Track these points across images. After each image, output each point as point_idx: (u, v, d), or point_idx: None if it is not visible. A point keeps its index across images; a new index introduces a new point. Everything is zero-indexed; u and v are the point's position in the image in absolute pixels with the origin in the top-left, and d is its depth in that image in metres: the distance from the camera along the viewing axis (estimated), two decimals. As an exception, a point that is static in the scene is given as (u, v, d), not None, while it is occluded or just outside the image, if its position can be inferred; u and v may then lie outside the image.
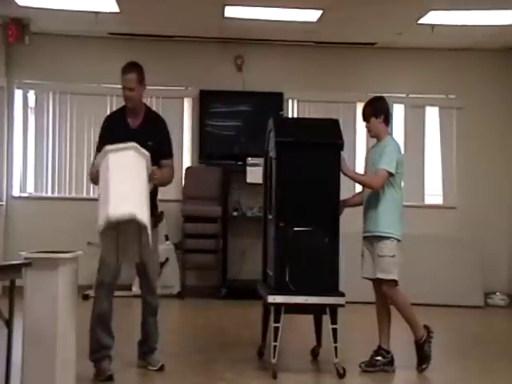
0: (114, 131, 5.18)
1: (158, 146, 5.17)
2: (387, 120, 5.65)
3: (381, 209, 5.48)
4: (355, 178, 5.64)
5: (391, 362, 5.55)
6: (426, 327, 5.57)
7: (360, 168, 9.49)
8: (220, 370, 5.44)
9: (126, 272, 5.37)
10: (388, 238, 5.44)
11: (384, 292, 5.52)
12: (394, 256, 5.43)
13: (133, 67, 5.32)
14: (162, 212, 5.58)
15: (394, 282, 5.47)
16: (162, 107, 9.46)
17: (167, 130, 5.43)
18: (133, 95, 5.23)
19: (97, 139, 5.31)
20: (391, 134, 5.77)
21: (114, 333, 5.22)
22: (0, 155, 9.00)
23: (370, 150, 5.85)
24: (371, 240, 5.53)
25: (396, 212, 5.51)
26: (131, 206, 4.37)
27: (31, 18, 8.36)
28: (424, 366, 5.50)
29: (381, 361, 5.54)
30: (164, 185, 5.30)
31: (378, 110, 5.61)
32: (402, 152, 5.77)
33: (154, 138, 5.16)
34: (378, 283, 5.55)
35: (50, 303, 4.29)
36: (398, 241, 5.48)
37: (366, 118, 5.65)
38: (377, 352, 5.57)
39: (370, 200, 5.57)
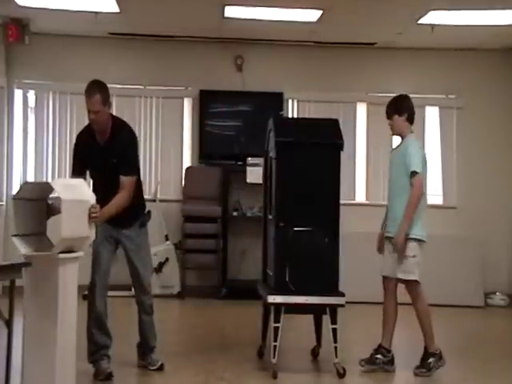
0: (85, 151, 5.18)
1: (119, 163, 5.13)
2: (411, 118, 5.61)
3: (402, 209, 5.43)
4: (408, 218, 5.44)
5: (391, 362, 5.55)
6: (440, 353, 5.52)
7: (361, 168, 9.56)
8: (220, 370, 5.44)
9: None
10: (409, 238, 5.42)
11: (409, 293, 5.50)
12: (414, 256, 5.42)
13: (96, 88, 5.10)
14: (149, 211, 5.57)
15: (416, 283, 5.46)
16: (162, 107, 9.48)
17: (131, 145, 5.31)
18: (98, 118, 5.09)
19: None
20: (413, 133, 5.69)
21: (111, 332, 5.24)
22: (0, 155, 8.99)
23: (392, 152, 5.79)
24: (392, 240, 5.51)
25: (418, 213, 5.45)
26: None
27: (31, 18, 8.36)
28: (421, 371, 5.47)
29: (380, 359, 5.54)
30: (118, 212, 5.06)
31: (400, 108, 5.58)
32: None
33: (118, 154, 5.13)
34: (387, 281, 5.55)
35: (50, 303, 4.29)
36: (419, 241, 5.46)
37: (388, 115, 5.63)
38: (377, 350, 5.57)
39: (392, 200, 5.57)
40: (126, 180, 5.12)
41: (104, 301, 5.21)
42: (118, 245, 5.34)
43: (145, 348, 5.45)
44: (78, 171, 5.17)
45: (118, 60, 9.39)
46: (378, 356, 5.55)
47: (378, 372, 5.50)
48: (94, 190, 5.02)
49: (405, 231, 5.38)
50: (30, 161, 9.36)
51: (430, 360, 5.46)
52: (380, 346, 5.59)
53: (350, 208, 8.33)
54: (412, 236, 5.43)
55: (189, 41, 9.35)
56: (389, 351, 5.57)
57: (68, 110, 9.36)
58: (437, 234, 8.97)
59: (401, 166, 5.50)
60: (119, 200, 5.06)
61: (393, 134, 5.76)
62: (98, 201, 4.77)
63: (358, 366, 5.57)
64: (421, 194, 5.43)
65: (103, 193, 5.00)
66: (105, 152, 5.14)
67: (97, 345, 5.18)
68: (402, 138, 5.65)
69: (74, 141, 9.40)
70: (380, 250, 5.67)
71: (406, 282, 5.48)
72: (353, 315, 6.89)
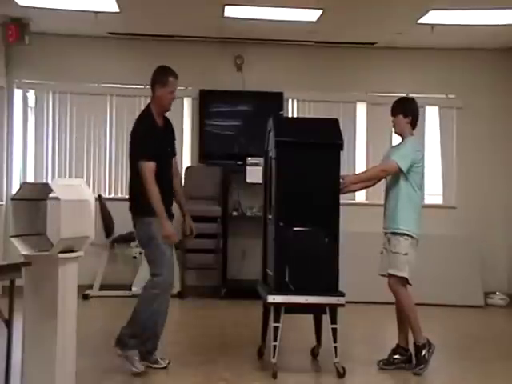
0: (157, 134, 5.37)
1: (173, 143, 5.58)
2: (414, 122, 5.71)
3: (397, 206, 5.52)
4: (360, 179, 5.68)
5: (409, 360, 5.57)
6: (428, 340, 5.54)
7: (361, 168, 9.56)
8: (220, 370, 5.44)
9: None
10: (402, 235, 5.47)
11: (390, 286, 5.52)
12: (406, 254, 5.46)
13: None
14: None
15: (404, 280, 5.48)
16: (162, 107, 9.48)
17: None
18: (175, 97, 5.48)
19: (141, 143, 5.31)
20: (414, 135, 5.76)
21: None
22: (0, 155, 8.99)
23: (389, 149, 5.94)
24: (388, 237, 5.57)
25: (412, 210, 5.53)
26: None
27: (31, 18, 8.36)
28: (420, 368, 5.47)
29: (398, 359, 5.57)
30: None
31: (407, 110, 5.69)
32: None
33: (173, 135, 5.57)
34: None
35: (50, 303, 4.29)
36: (413, 238, 5.50)
37: (394, 112, 5.71)
38: (395, 350, 5.61)
39: (389, 197, 5.64)
40: (175, 161, 5.57)
41: None
42: None
43: (154, 344, 5.45)
44: (155, 159, 5.24)
45: (118, 60, 9.39)
46: (396, 356, 5.59)
47: (394, 370, 5.52)
48: (159, 179, 5.20)
49: (357, 179, 5.72)
50: (30, 161, 9.36)
51: (423, 352, 5.47)
52: (398, 345, 5.62)
53: (350, 208, 8.33)
54: (406, 233, 5.47)
55: (189, 41, 9.35)
56: (406, 350, 5.60)
57: (68, 110, 9.36)
58: (437, 234, 9.03)
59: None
60: (180, 183, 5.62)
61: (395, 133, 5.85)
62: (166, 189, 5.22)
63: (357, 366, 5.58)
64: (381, 176, 5.67)
65: (167, 179, 5.33)
66: (167, 135, 5.47)
67: (154, 345, 5.36)
68: (402, 139, 5.74)
69: (74, 140, 9.39)
70: None
71: (394, 278, 5.49)
72: (353, 315, 6.89)
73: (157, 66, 5.52)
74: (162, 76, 5.40)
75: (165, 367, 5.40)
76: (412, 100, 5.86)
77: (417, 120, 5.75)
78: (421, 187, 5.67)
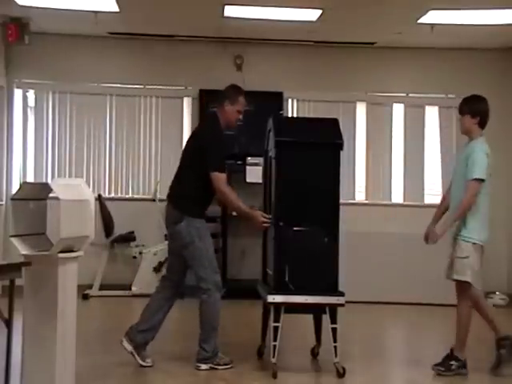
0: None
1: None
2: (483, 123, 5.55)
3: (466, 214, 5.42)
4: (454, 219, 5.47)
5: (464, 366, 5.42)
6: (465, 363, 5.43)
7: (361, 168, 9.55)
8: (220, 369, 5.43)
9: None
10: (465, 240, 5.41)
11: (458, 294, 5.48)
12: (467, 257, 5.39)
13: None
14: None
15: (468, 284, 5.40)
16: (162, 107, 9.48)
17: None
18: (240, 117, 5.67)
19: (217, 154, 5.56)
20: (483, 136, 5.63)
21: None
22: (0, 155, 8.99)
23: (458, 152, 5.81)
24: (453, 242, 5.51)
25: (478, 216, 5.45)
26: None
27: (31, 18, 8.36)
28: (440, 368, 5.38)
29: (455, 364, 5.40)
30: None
31: (475, 111, 5.52)
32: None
33: None
34: (457, 285, 5.52)
35: (50, 303, 4.29)
36: (475, 244, 5.41)
37: (461, 111, 5.58)
38: (450, 357, 5.44)
39: (453, 200, 5.55)
40: None
41: None
42: None
43: (153, 336, 5.53)
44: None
45: (118, 60, 9.40)
46: (452, 362, 5.40)
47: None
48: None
49: (446, 229, 5.42)
50: (30, 161, 9.36)
51: (453, 362, 5.39)
52: (452, 351, 5.44)
53: (350, 208, 8.33)
54: (464, 239, 5.42)
55: (188, 40, 9.35)
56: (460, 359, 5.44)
57: (68, 110, 9.37)
58: (437, 234, 9.01)
59: (463, 168, 5.49)
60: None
61: (461, 132, 5.70)
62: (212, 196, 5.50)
63: (357, 366, 5.58)
64: (473, 200, 5.41)
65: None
66: None
67: (152, 336, 5.47)
68: (470, 140, 5.59)
69: (74, 140, 9.42)
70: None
71: (459, 283, 5.46)
72: (353, 315, 6.89)
73: (230, 84, 5.71)
74: (232, 94, 5.59)
75: (150, 366, 5.42)
76: (482, 99, 5.62)
77: (486, 120, 5.56)
78: (486, 190, 5.57)
